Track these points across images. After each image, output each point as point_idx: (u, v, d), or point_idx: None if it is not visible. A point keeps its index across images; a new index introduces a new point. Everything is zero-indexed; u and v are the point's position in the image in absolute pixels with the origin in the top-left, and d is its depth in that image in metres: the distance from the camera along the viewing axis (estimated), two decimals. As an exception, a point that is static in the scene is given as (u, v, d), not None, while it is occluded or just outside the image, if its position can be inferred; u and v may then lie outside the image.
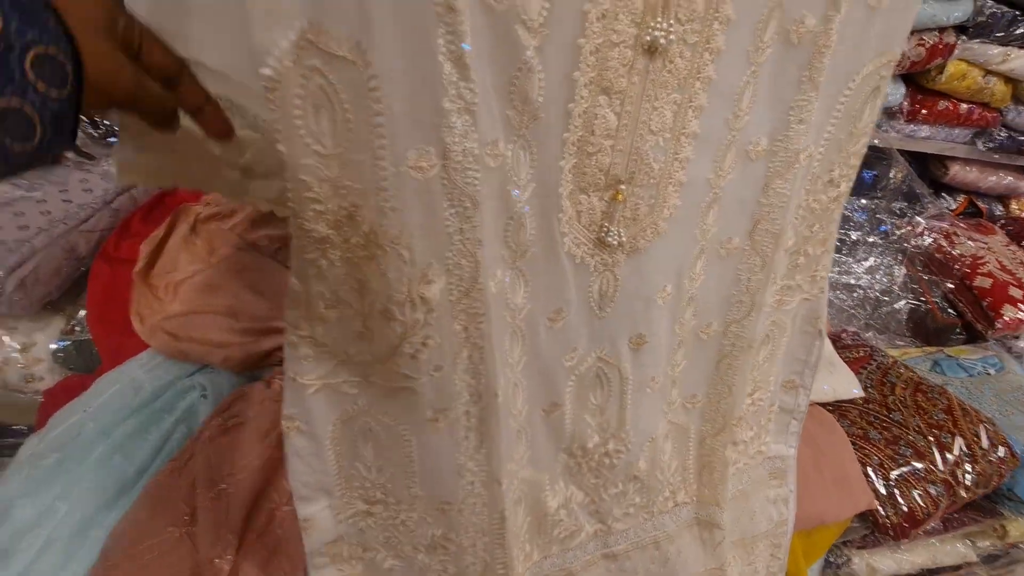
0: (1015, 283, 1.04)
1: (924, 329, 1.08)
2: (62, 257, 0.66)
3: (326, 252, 0.34)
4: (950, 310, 1.07)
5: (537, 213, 0.38)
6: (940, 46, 0.95)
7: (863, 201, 1.18)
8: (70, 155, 0.76)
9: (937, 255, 1.11)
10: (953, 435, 0.77)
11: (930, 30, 0.93)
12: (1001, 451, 0.77)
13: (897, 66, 0.98)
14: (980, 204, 1.27)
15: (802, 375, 0.60)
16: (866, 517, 0.74)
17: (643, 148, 0.39)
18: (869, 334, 1.06)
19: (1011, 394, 0.89)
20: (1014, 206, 1.33)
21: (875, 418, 0.81)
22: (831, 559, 0.82)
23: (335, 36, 0.27)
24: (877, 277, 1.12)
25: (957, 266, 1.08)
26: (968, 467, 0.75)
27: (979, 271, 1.06)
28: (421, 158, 0.31)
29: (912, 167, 1.27)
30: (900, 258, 1.14)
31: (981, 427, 0.78)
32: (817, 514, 0.71)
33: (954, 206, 1.26)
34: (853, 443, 0.77)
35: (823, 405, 0.81)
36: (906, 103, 1.05)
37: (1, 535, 0.53)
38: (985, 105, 1.07)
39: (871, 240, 1.16)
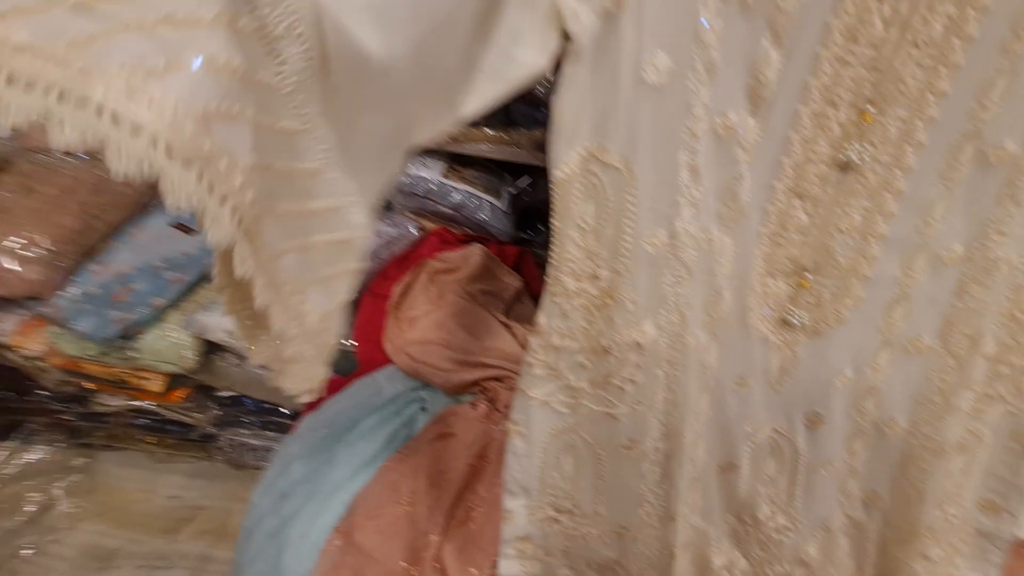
0: None
1: None
2: (344, 289, 0.91)
3: (570, 299, 0.46)
4: None
5: (733, 289, 0.46)
6: None
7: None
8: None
9: None
10: None
11: None
12: None
13: None
14: None
15: (1006, 497, 0.56)
16: None
17: (830, 244, 0.45)
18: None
19: None
20: None
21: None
22: None
23: (611, 152, 0.40)
24: None
25: None
26: None
27: None
28: (655, 236, 0.42)
29: None
30: None
31: None
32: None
33: None
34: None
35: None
36: None
37: (283, 482, 0.72)
38: None
39: None
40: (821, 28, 0.38)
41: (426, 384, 0.82)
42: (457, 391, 0.81)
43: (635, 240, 0.42)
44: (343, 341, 0.90)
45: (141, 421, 1.05)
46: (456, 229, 1.07)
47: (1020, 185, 0.43)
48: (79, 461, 1.10)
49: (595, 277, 0.44)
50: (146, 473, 1.10)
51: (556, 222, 0.44)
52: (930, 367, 0.50)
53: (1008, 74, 0.39)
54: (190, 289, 0.94)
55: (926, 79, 0.40)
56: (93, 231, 0.94)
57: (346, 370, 0.86)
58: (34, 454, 1.10)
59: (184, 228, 1.01)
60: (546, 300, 0.47)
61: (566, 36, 0.37)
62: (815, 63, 0.39)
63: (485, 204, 1.04)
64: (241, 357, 0.93)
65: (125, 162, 0.20)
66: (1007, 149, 0.42)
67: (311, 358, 0.30)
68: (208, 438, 1.06)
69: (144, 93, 0.21)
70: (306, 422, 0.79)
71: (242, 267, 0.25)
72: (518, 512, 0.54)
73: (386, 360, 0.83)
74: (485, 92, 0.37)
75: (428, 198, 1.03)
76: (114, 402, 1.01)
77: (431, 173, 1.03)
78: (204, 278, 0.96)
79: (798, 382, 0.51)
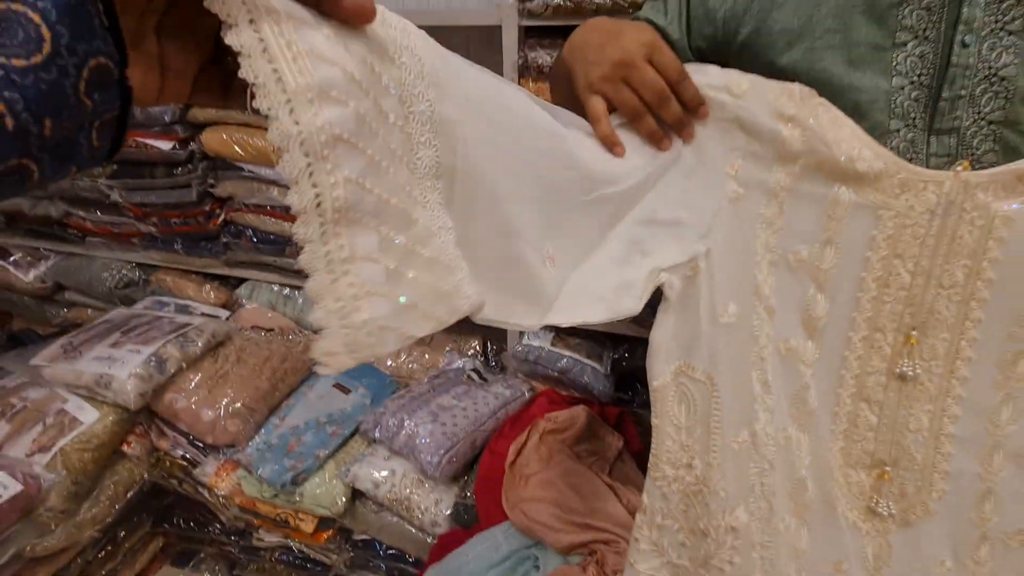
0: None
1: None
2: (468, 446, 1.05)
3: (669, 484, 0.56)
4: None
5: (815, 479, 0.53)
6: None
7: None
8: (476, 378, 1.22)
9: None
10: None
11: None
12: None
13: None
14: None
15: None
16: None
17: (904, 442, 0.51)
18: None
19: None
20: None
21: None
22: None
23: (696, 368, 0.53)
24: None
25: None
26: None
27: None
28: (738, 435, 0.52)
29: None
30: None
31: None
32: None
33: None
34: None
35: None
36: None
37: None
38: None
39: None
40: (856, 279, 0.50)
41: (539, 542, 0.90)
42: (567, 551, 0.87)
43: (722, 438, 0.53)
44: (465, 494, 1.01)
45: (287, 557, 1.20)
46: (563, 390, 1.21)
47: None
48: (232, 591, 1.26)
49: (690, 467, 0.54)
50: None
51: (655, 419, 0.56)
52: None
53: None
54: (345, 442, 1.14)
55: (959, 311, 0.49)
56: (278, 391, 1.19)
57: (467, 523, 0.97)
58: (200, 581, 1.28)
59: (342, 388, 1.25)
60: (649, 484, 0.57)
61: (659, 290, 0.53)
62: (856, 302, 0.50)
63: (588, 368, 1.17)
64: (380, 504, 1.07)
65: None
66: None
67: (342, 351, 0.30)
68: (340, 578, 1.17)
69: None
70: (430, 572, 0.88)
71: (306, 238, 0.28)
72: None
73: (503, 516, 0.93)
74: (587, 313, 0.49)
75: (538, 363, 1.19)
76: (270, 538, 1.18)
77: (540, 341, 1.20)
78: (356, 432, 1.16)
79: (896, 570, 0.54)
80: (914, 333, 0.50)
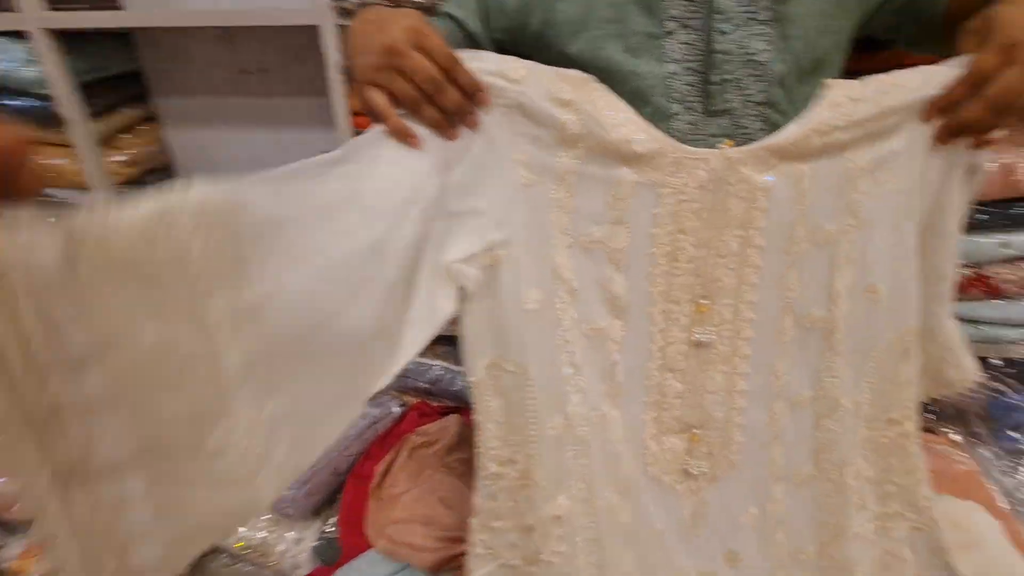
0: None
1: None
2: (329, 474, 0.97)
3: (495, 482, 0.54)
4: None
5: (632, 451, 0.55)
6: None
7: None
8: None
9: None
10: None
11: None
12: None
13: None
14: None
15: None
16: None
17: (705, 404, 0.54)
18: None
19: None
20: None
21: None
22: None
23: (508, 360, 0.52)
24: None
25: None
26: None
27: None
28: (553, 420, 0.52)
29: None
30: None
31: None
32: None
33: None
34: None
35: None
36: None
37: None
38: None
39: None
40: (648, 255, 0.52)
41: (407, 566, 0.85)
42: (436, 569, 0.83)
43: (538, 427, 0.52)
44: (327, 529, 0.94)
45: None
46: (435, 401, 1.17)
47: (834, 341, 0.53)
48: None
49: (513, 462, 0.53)
50: None
51: (476, 417, 0.53)
52: (815, 493, 0.57)
53: (795, 266, 0.52)
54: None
55: (737, 277, 0.52)
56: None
57: (330, 559, 0.89)
58: None
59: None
60: (479, 484, 0.55)
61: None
62: (651, 278, 0.52)
63: (459, 375, 1.14)
64: (231, 555, 0.96)
65: None
66: (815, 315, 0.53)
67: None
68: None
69: None
70: (291, 621, 0.80)
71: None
72: None
73: (368, 545, 0.87)
74: (416, 339, 0.49)
75: (407, 376, 1.14)
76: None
77: (407, 354, 1.16)
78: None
79: (711, 525, 0.57)
80: (704, 301, 0.53)
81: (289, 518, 0.94)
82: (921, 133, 0.48)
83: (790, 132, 0.48)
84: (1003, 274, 0.98)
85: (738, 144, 0.49)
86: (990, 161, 0.89)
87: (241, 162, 1.22)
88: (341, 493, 0.97)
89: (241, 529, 0.93)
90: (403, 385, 1.17)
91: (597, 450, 0.54)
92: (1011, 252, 0.95)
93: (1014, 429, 1.06)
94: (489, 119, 0.48)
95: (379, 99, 0.45)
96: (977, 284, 0.98)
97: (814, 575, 0.58)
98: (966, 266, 0.98)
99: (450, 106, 0.47)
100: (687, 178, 0.49)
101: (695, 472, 0.55)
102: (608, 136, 0.47)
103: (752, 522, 0.56)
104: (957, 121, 0.47)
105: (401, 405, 1.14)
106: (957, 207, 0.51)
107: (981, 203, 0.92)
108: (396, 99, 0.46)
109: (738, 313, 0.53)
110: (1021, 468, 1.01)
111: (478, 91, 0.47)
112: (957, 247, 0.51)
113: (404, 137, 0.46)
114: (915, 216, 0.51)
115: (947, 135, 0.48)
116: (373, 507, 0.91)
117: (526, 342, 0.51)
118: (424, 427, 1.05)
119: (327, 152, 0.44)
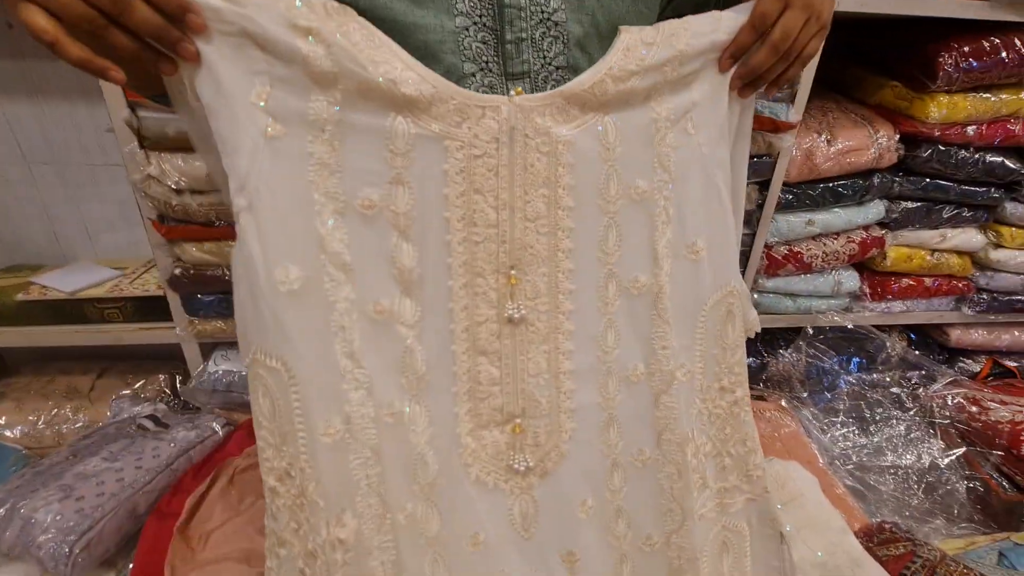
0: (1071, 447, 0.95)
1: (991, 510, 0.97)
2: (125, 517, 0.80)
3: (275, 499, 0.44)
4: (1005, 484, 0.97)
5: (439, 452, 0.47)
6: (868, 240, 1.06)
7: (874, 376, 1.18)
8: (150, 426, 0.96)
9: (970, 424, 1.05)
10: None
11: (853, 230, 1.06)
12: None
13: (837, 260, 1.09)
14: (1008, 363, 1.22)
15: None
16: None
17: (528, 388, 0.49)
18: (926, 527, 0.96)
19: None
20: (1052, 361, 1.26)
21: (927, 630, 0.71)
22: None
23: (269, 354, 0.42)
24: (913, 455, 1.05)
25: (993, 433, 1.01)
26: None
27: (1022, 436, 0.99)
28: (329, 425, 0.43)
29: (914, 338, 1.28)
30: (935, 431, 1.08)
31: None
32: None
33: (977, 368, 1.22)
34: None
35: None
36: (865, 286, 1.12)
37: None
38: (950, 276, 1.12)
39: (902, 416, 1.12)
40: (440, 220, 0.45)
41: (218, 613, 0.71)
42: (253, 613, 0.71)
43: (309, 434, 0.43)
44: (121, 582, 0.77)
45: None
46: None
47: (661, 307, 0.51)
48: None
49: (289, 475, 0.44)
50: None
51: (255, 423, 0.44)
52: (659, 477, 0.54)
53: (613, 226, 0.48)
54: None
55: (549, 243, 0.47)
56: None
57: (120, 621, 0.73)
58: None
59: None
60: (267, 501, 0.45)
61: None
62: (447, 246, 0.45)
63: (297, 385, 1.02)
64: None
65: None
66: (641, 280, 0.50)
67: None
68: None
69: None
70: None
71: None
72: None
73: (168, 596, 0.72)
74: None
75: (231, 391, 0.99)
76: None
77: (231, 364, 1.01)
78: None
79: (545, 525, 0.51)
80: (513, 272, 0.47)
81: (63, 578, 0.75)
82: (720, 83, 0.48)
83: (584, 78, 0.44)
84: (812, 249, 1.08)
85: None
86: (794, 146, 0.98)
87: None
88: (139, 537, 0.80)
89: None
90: (228, 401, 1.01)
91: (392, 456, 0.45)
92: (815, 230, 1.05)
93: (829, 390, 1.18)
94: (212, 51, 0.38)
95: (39, 19, 0.33)
96: (791, 260, 1.07)
97: (661, 565, 0.55)
98: (780, 244, 1.06)
99: (144, 29, 0.36)
100: (476, 129, 0.43)
101: (521, 468, 0.49)
102: (368, 75, 0.39)
103: (589, 515, 0.52)
104: (748, 68, 0.48)
105: (225, 425, 0.99)
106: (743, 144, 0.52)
107: (787, 184, 1.00)
108: (64, 20, 0.34)
109: (555, 284, 0.48)
110: (835, 424, 1.12)
111: (184, 11, 0.36)
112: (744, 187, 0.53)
113: (104, 70, 0.35)
114: (725, 167, 0.50)
115: (742, 84, 0.49)
116: (176, 549, 0.76)
117: (288, 331, 0.42)
118: (252, 447, 0.91)
119: None
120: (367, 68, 0.39)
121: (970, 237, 1.08)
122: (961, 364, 1.24)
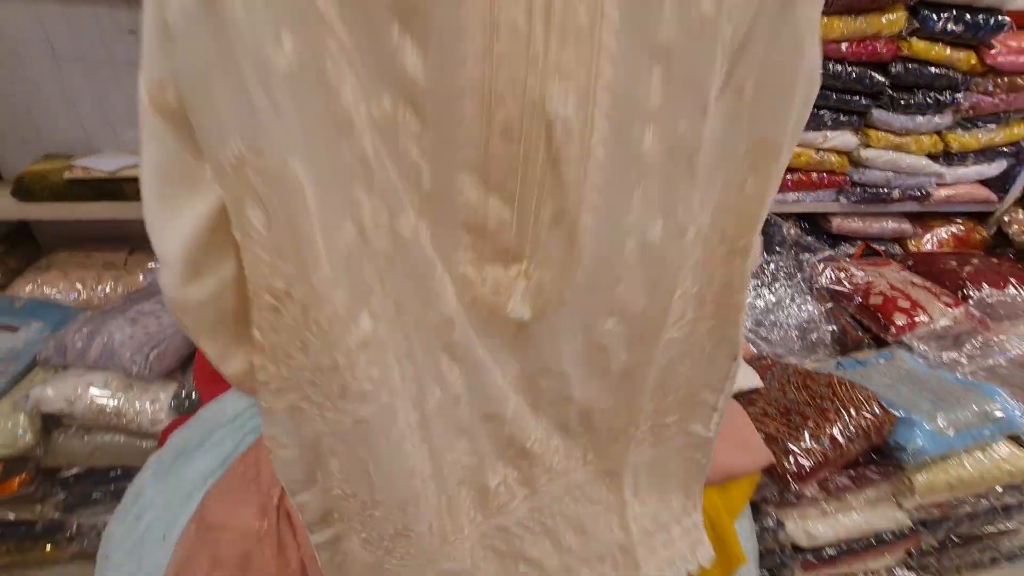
0: (903, 297, 1.27)
1: (845, 346, 1.29)
2: (181, 341, 1.02)
3: (269, 315, 0.37)
4: (858, 328, 1.29)
5: (443, 279, 0.42)
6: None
7: (774, 256, 1.47)
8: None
9: (837, 287, 1.36)
10: (832, 401, 0.97)
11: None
12: (875, 409, 0.95)
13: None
14: (877, 247, 1.54)
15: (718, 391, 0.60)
16: (773, 474, 0.92)
17: (539, 235, 0.41)
18: (800, 360, 1.27)
19: (896, 374, 1.09)
20: (911, 245, 1.58)
21: (772, 400, 1.02)
22: (766, 524, 0.96)
23: (259, 151, 0.31)
24: (795, 312, 1.36)
25: (853, 291, 1.33)
26: (848, 423, 0.94)
27: (872, 292, 1.31)
28: (341, 232, 0.35)
29: (806, 225, 1.57)
30: (813, 294, 1.40)
31: (855, 392, 0.98)
32: (724, 470, 0.89)
33: (852, 251, 1.53)
34: (756, 421, 0.97)
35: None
36: (766, 179, 1.39)
37: (136, 507, 0.81)
38: (831, 172, 1.40)
39: (790, 284, 1.43)
40: (455, 25, 0.31)
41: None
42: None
43: (313, 245, 0.35)
44: (185, 389, 1.00)
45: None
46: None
47: (696, 159, 0.42)
48: None
49: (289, 296, 0.36)
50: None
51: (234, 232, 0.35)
52: (643, 321, 0.51)
53: (660, 62, 0.37)
54: (21, 377, 0.99)
55: (588, 68, 0.35)
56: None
57: (190, 410, 0.97)
58: None
59: (9, 328, 1.06)
60: (254, 314, 0.37)
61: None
62: (460, 60, 0.32)
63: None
64: (83, 427, 0.98)
65: None
66: (681, 129, 0.40)
67: None
68: (54, 528, 1.05)
69: None
70: (153, 456, 0.88)
71: None
72: (310, 500, 0.48)
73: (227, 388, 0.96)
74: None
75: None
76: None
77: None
78: (32, 366, 1.02)
79: (533, 348, 0.49)
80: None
81: (144, 380, 0.98)
82: None
83: None
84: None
85: None
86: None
87: None
88: (194, 356, 1.04)
89: (92, 393, 0.96)
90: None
91: (402, 269, 0.39)
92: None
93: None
94: None
95: None
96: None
97: (621, 381, 0.54)
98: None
99: None
100: None
101: (517, 315, 0.44)
102: None
103: (575, 348, 0.50)
104: None
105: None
106: None
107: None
108: None
109: (595, 102, 0.36)
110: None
111: None
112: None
113: None
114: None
115: None
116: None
117: (284, 118, 0.31)
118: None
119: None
120: None
121: (847, 139, 1.35)
122: (842, 248, 1.54)
